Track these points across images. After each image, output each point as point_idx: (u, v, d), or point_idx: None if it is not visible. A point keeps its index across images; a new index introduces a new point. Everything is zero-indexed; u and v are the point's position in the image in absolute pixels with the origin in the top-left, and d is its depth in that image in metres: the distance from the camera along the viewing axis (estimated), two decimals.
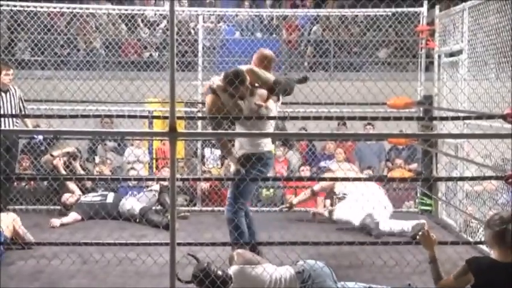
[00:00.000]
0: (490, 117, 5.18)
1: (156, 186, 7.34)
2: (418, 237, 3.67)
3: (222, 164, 8.36)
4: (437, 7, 7.45)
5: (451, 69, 6.96)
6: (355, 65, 9.69)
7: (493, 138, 5.50)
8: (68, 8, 8.07)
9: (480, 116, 5.50)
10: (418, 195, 7.85)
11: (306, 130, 8.93)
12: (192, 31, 9.89)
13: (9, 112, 6.79)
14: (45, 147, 7.99)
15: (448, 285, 3.39)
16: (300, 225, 6.82)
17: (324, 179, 6.77)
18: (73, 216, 7.07)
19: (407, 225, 6.37)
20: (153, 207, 7.25)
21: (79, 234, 6.20)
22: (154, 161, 9.07)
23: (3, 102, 6.81)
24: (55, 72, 8.31)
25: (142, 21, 10.23)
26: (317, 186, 7.06)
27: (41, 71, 8.52)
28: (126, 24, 9.24)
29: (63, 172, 7.62)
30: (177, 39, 8.01)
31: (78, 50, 10.18)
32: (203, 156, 8.30)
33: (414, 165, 8.85)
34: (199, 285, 4.27)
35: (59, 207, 7.44)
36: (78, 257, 5.35)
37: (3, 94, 6.86)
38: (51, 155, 7.73)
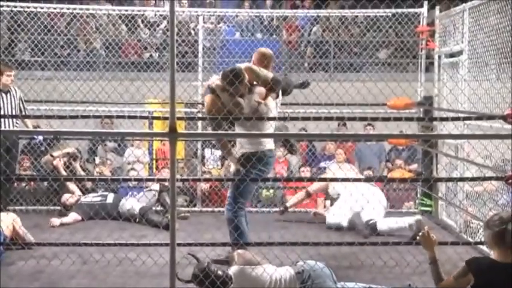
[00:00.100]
0: (491, 117, 5.17)
1: (156, 186, 7.35)
2: (418, 237, 3.67)
3: (222, 165, 8.36)
4: (437, 8, 7.44)
5: (451, 70, 6.96)
6: (355, 66, 9.67)
7: (493, 138, 5.50)
8: (68, 9, 8.07)
9: (480, 117, 5.49)
10: (418, 195, 7.84)
11: (306, 131, 8.93)
12: (192, 32, 9.88)
13: (10, 113, 6.79)
14: (45, 147, 7.98)
15: (448, 286, 3.39)
16: (300, 226, 6.82)
17: (324, 180, 6.76)
18: (73, 216, 7.07)
19: (403, 221, 6.37)
20: (153, 207, 7.26)
21: (79, 235, 6.20)
22: (154, 161, 9.08)
23: (3, 103, 6.81)
24: (55, 72, 8.32)
25: (142, 21, 10.23)
26: (311, 187, 7.07)
27: (41, 72, 8.52)
28: (126, 25, 9.22)
29: (63, 173, 7.62)
30: (177, 40, 7.99)
31: (78, 51, 10.17)
32: (203, 157, 8.31)
33: (414, 166, 8.85)
34: (200, 286, 4.28)
35: (59, 208, 7.44)
36: (78, 257, 5.34)
37: (3, 95, 6.86)
38: (51, 156, 7.74)
